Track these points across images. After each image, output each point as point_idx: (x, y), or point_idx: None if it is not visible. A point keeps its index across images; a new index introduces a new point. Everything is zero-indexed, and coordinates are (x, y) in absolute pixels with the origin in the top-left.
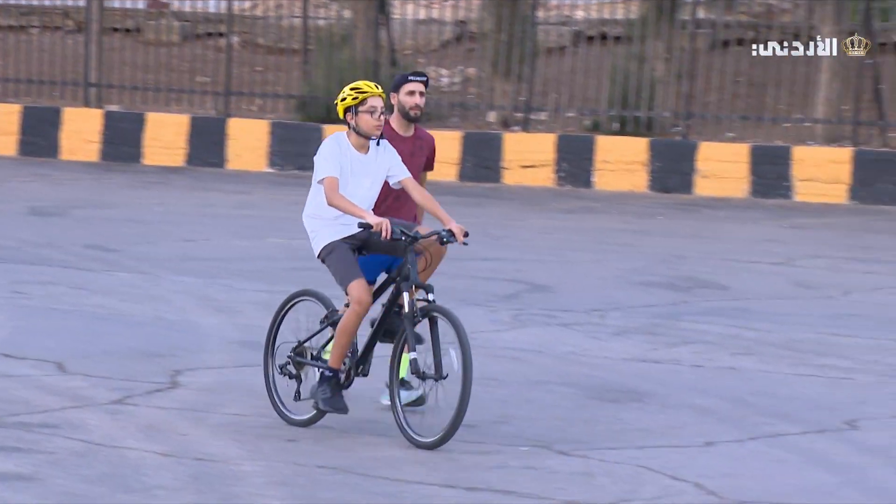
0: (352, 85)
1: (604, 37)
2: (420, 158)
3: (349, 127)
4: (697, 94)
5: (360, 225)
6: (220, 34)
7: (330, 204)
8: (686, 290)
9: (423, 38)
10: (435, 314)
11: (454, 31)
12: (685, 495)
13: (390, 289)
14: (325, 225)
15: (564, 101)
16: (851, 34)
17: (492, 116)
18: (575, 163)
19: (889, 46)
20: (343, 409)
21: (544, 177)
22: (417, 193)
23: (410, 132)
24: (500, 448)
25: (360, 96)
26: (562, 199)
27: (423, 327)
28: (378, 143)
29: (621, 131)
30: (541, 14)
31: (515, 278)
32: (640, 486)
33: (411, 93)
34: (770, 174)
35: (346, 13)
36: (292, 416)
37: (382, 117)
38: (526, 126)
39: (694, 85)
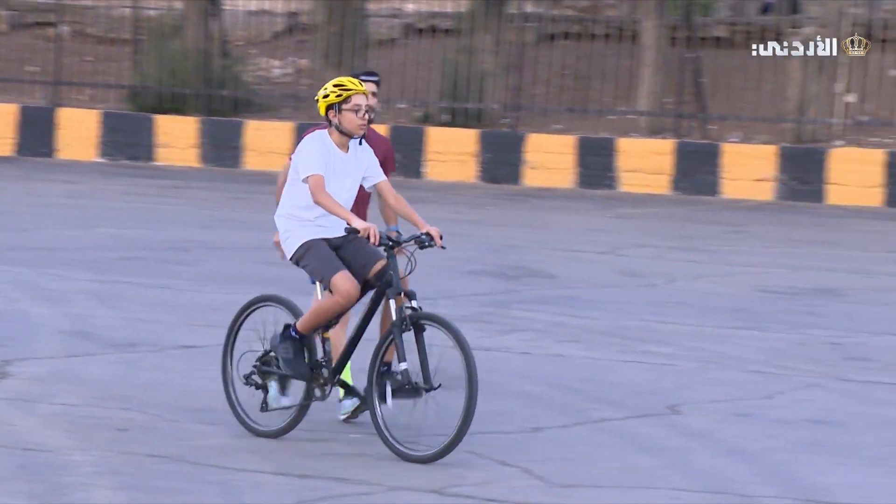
0: (335, 81)
1: (434, 29)
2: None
3: (330, 124)
4: (525, 87)
5: (347, 230)
6: (50, 23)
7: (316, 202)
8: (515, 279)
9: (255, 30)
10: (423, 322)
11: (286, 23)
12: (513, 480)
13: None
14: (301, 225)
15: (396, 92)
16: (673, 28)
17: None
18: (406, 154)
19: (710, 40)
20: (304, 377)
21: None
22: (392, 197)
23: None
24: (331, 436)
25: (345, 94)
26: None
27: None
28: (360, 143)
29: (452, 123)
30: (372, 6)
31: None
32: (469, 471)
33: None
34: (596, 165)
35: (177, 4)
36: (259, 428)
37: (367, 116)
38: None
39: (522, 78)
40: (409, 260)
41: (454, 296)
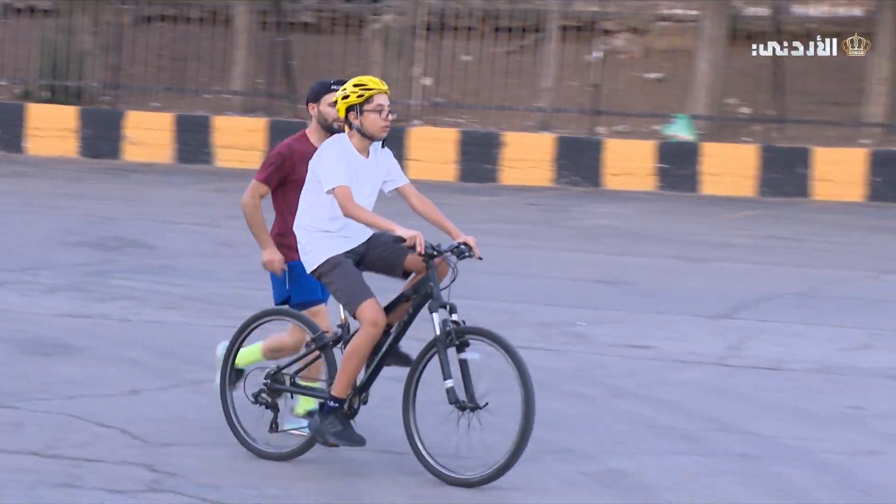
0: (355, 80)
1: (32, 10)
2: None
3: (351, 127)
4: (124, 67)
5: (394, 239)
6: None
7: (348, 215)
8: (115, 250)
9: None
10: (469, 337)
11: None
12: (111, 441)
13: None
14: (325, 237)
15: None
16: (264, 13)
17: None
18: (7, 129)
19: (298, 26)
20: (360, 442)
21: None
22: (417, 201)
23: None
24: None
25: (366, 93)
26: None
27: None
28: (383, 146)
29: (52, 100)
30: None
31: None
32: (68, 433)
33: (334, 104)
34: (193, 141)
35: None
36: (267, 450)
37: (391, 116)
38: None
39: (121, 58)
40: (452, 270)
41: (55, 266)
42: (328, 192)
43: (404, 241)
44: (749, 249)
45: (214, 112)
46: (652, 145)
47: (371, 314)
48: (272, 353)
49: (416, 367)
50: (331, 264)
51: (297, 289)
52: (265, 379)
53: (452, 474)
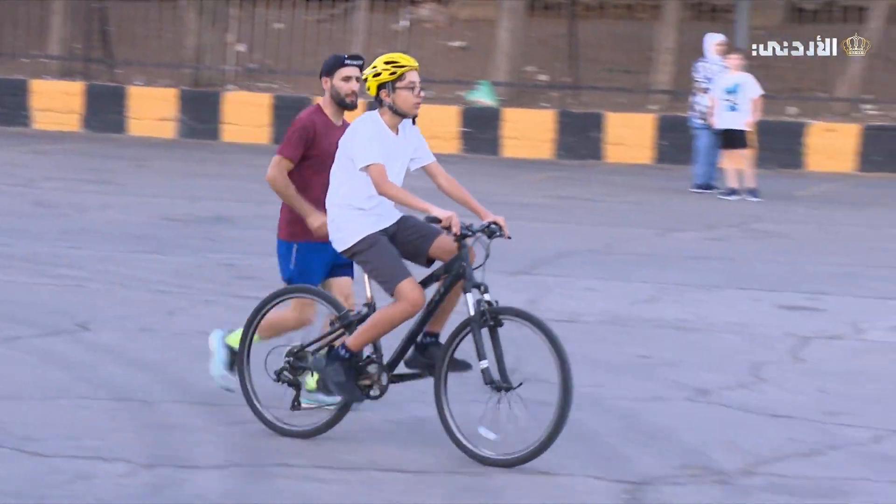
0: (386, 58)
1: None
2: None
3: (382, 104)
4: None
5: (428, 219)
6: None
7: (382, 193)
8: None
9: None
10: (503, 317)
11: None
12: None
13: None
14: (359, 215)
15: None
16: None
17: None
18: None
19: None
20: (359, 399)
21: None
22: (444, 180)
23: (340, 121)
24: None
25: (399, 71)
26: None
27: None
28: (413, 122)
29: None
30: None
31: None
32: None
33: (347, 78)
34: (10, 104)
35: None
36: (287, 427)
37: (422, 93)
38: None
39: None
40: (485, 250)
41: None
42: (362, 170)
43: (440, 221)
44: (547, 209)
45: (32, 76)
46: (456, 110)
47: (413, 294)
48: (271, 330)
49: (448, 346)
50: (367, 243)
51: (297, 271)
52: (287, 357)
53: (485, 453)
